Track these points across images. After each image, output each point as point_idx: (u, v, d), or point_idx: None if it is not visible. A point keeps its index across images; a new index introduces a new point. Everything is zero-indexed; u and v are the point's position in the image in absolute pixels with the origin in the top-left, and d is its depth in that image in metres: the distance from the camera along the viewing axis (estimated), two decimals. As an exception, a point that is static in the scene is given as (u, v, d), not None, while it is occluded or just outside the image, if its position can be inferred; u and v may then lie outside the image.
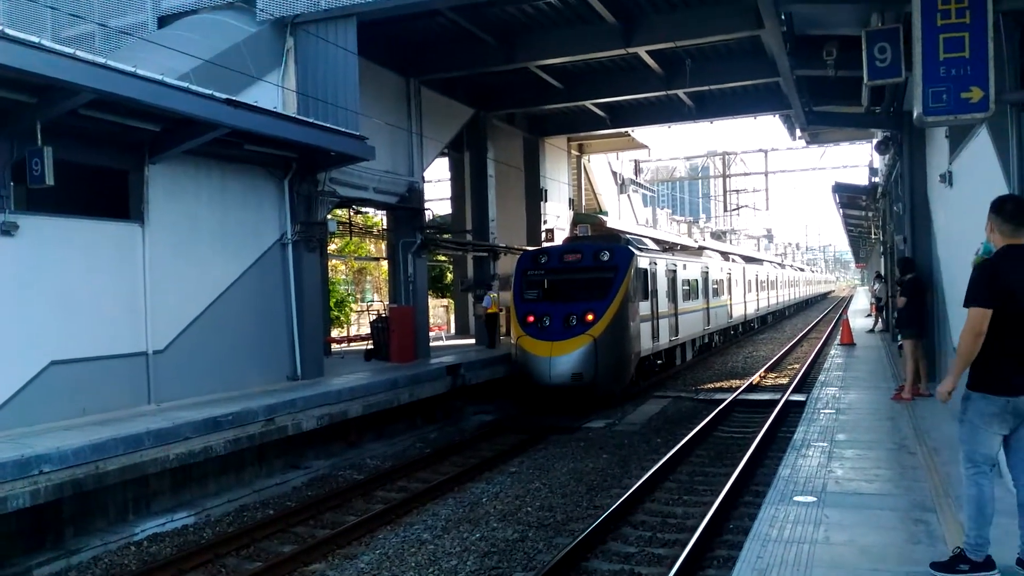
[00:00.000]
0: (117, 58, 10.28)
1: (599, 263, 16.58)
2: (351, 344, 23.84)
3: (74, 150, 10.28)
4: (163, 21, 14.74)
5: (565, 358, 15.24)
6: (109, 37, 14.23)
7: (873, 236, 30.71)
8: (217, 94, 10.73)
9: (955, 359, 4.45)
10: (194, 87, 10.51)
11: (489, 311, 19.71)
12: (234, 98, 11.14)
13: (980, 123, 7.03)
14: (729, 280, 29.13)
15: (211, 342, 12.18)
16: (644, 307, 17.52)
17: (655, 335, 18.48)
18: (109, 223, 10.94)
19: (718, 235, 55.99)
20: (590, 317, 15.57)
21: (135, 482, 9.05)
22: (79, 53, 8.99)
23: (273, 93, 13.38)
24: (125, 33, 13.56)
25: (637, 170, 38.23)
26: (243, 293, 12.87)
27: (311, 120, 12.79)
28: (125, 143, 10.98)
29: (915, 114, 6.24)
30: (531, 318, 16.06)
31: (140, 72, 9.64)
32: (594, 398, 15.65)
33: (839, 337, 20.24)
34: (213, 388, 12.04)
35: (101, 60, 9.36)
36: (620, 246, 17.37)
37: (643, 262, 17.66)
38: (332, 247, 27.03)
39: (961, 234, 9.15)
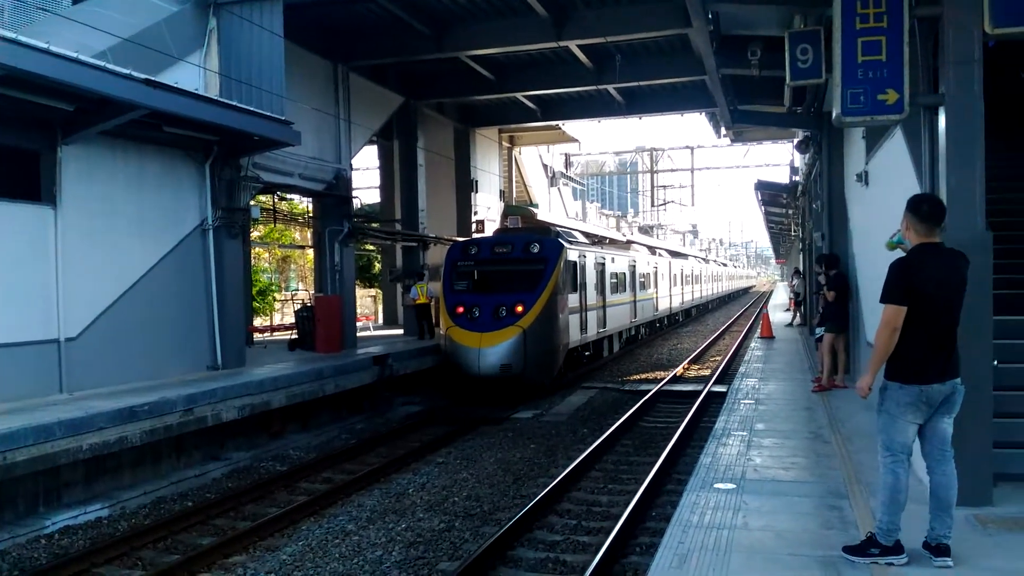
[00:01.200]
0: (29, 33, 9.77)
1: (529, 255, 16.67)
2: (274, 334, 23.35)
3: (-18, 128, 9.78)
4: (78, -5, 14.10)
5: (494, 349, 15.30)
6: (21, 11, 13.52)
7: (793, 233, 31.70)
8: (135, 74, 10.33)
9: (872, 354, 4.62)
10: (111, 66, 10.10)
11: (417, 302, 19.54)
12: (153, 78, 10.75)
13: (895, 124, 7.31)
14: (655, 274, 29.65)
15: (128, 330, 11.77)
16: (573, 299, 17.70)
17: (583, 327, 18.68)
18: (18, 205, 10.44)
19: (645, 230, 56.90)
20: (520, 308, 15.67)
21: (45, 473, 8.68)
22: (-14, 26, 8.54)
23: (194, 75, 12.95)
24: (39, 8, 12.92)
25: (567, 163, 38.54)
26: (162, 279, 12.46)
27: (233, 103, 12.44)
28: (37, 122, 10.49)
29: (834, 114, 6.43)
30: (461, 309, 16.06)
31: (53, 49, 9.20)
32: (523, 389, 15.75)
33: (759, 331, 20.83)
34: (130, 377, 11.64)
35: (11, 35, 8.89)
36: (550, 238, 17.47)
37: (573, 255, 17.82)
38: (255, 234, 26.39)
39: (876, 231, 9.51)
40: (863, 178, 10.29)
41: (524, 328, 15.46)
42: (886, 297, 4.47)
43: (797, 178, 23.15)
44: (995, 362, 5.49)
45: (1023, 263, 8.33)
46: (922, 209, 4.58)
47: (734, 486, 6.30)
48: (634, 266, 25.46)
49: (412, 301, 19.84)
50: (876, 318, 4.89)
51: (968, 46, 5.60)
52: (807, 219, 21.60)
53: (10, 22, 13.05)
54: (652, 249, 34.03)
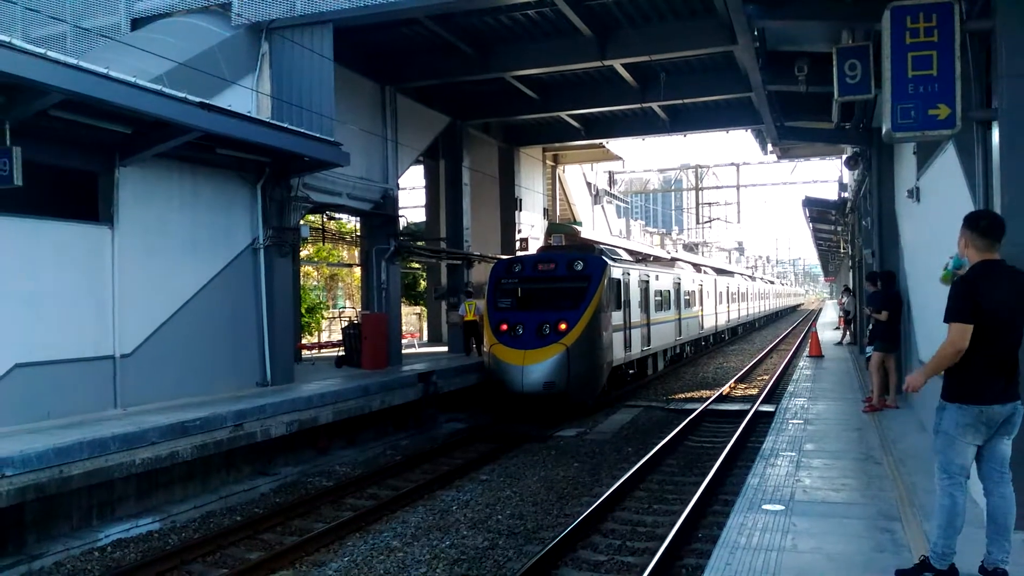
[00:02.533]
0: (89, 59, 10.17)
1: (573, 272, 16.66)
2: (322, 351, 23.67)
3: (43, 151, 10.14)
4: (136, 23, 14.62)
5: (538, 367, 15.27)
6: (81, 38, 14.08)
7: (842, 250, 31.11)
8: (190, 97, 10.63)
9: (931, 360, 4.52)
10: (167, 89, 10.41)
11: (466, 319, 19.67)
12: (207, 102, 11.06)
13: (947, 140, 7.17)
14: (700, 291, 29.37)
15: (180, 347, 12.04)
16: (617, 317, 17.61)
17: (627, 345, 18.57)
18: (78, 225, 10.79)
19: (690, 247, 56.45)
20: (563, 326, 15.63)
21: (100, 487, 8.91)
22: (49, 53, 8.87)
23: (247, 98, 13.31)
24: (98, 35, 13.43)
25: (611, 181, 38.51)
26: (213, 298, 12.74)
27: (285, 125, 12.73)
28: (95, 145, 10.85)
29: (884, 130, 6.35)
30: (504, 326, 16.10)
31: (112, 73, 9.53)
32: (566, 407, 15.68)
33: (808, 349, 20.48)
34: (181, 393, 11.89)
35: (72, 61, 9.24)
36: (594, 256, 17.47)
37: (616, 272, 17.76)
38: (304, 253, 26.85)
39: (927, 248, 9.31)
40: (914, 194, 10.09)
41: (567, 346, 15.42)
42: (952, 316, 4.37)
43: (846, 195, 22.76)
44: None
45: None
46: (981, 224, 4.50)
47: (783, 507, 6.20)
48: (679, 283, 25.25)
49: (460, 318, 19.99)
50: (928, 336, 4.81)
51: (1021, 60, 5.48)
52: (856, 236, 21.21)
53: (71, 49, 13.60)
54: (697, 266, 33.74)
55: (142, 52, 11.33)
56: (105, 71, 9.46)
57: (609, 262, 17.44)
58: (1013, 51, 5.50)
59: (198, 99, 10.79)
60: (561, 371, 15.30)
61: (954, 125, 6.03)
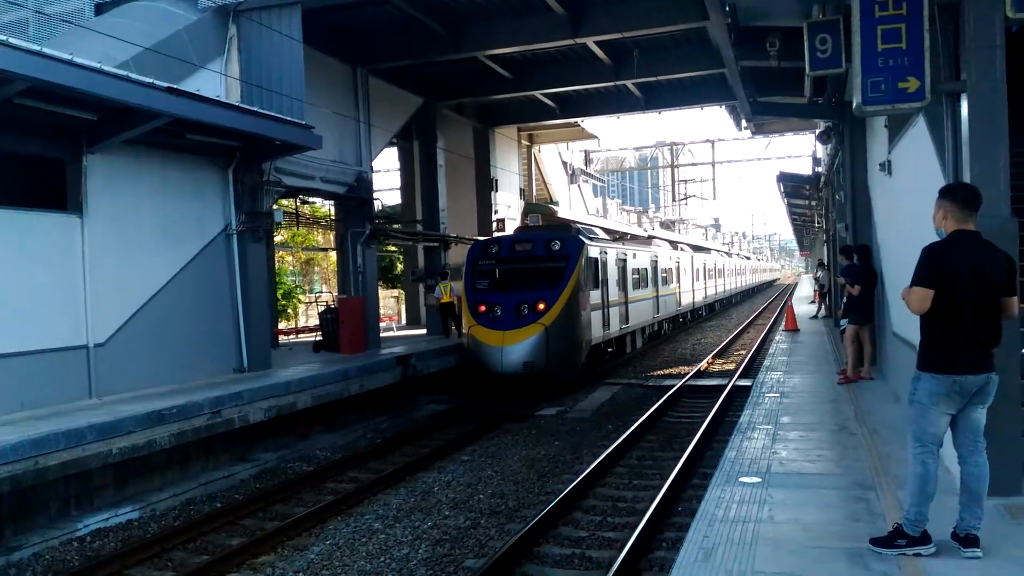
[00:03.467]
0: (53, 45, 9.94)
1: (550, 252, 16.69)
2: (299, 336, 23.57)
3: (8, 140, 9.98)
4: (101, 8, 14.30)
5: (517, 347, 15.32)
6: (44, 24, 13.76)
7: (816, 224, 31.38)
8: (157, 82, 10.46)
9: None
10: (133, 75, 10.23)
11: (442, 301, 19.65)
12: (175, 86, 10.88)
13: (917, 112, 7.22)
14: (677, 269, 29.52)
15: (154, 335, 11.93)
16: (595, 296, 17.68)
17: (606, 323, 18.67)
18: (46, 214, 10.61)
19: (667, 224, 56.63)
20: (541, 306, 15.68)
21: (77, 477, 8.82)
22: (12, 40, 8.68)
23: (216, 81, 13.09)
24: (62, 20, 13.13)
25: (587, 160, 38.49)
26: (187, 285, 12.62)
27: (255, 108, 12.56)
28: (62, 132, 10.66)
29: (855, 104, 6.38)
30: (483, 308, 16.11)
31: (77, 60, 9.35)
32: (546, 386, 15.75)
33: (783, 323, 20.68)
34: (157, 381, 11.80)
35: (35, 47, 9.04)
36: (571, 235, 17.47)
37: (594, 251, 17.79)
38: (278, 238, 26.61)
39: (900, 221, 9.41)
40: (886, 167, 10.18)
41: (546, 325, 15.47)
42: (914, 280, 4.46)
43: (819, 169, 22.94)
44: (1023, 350, 5.42)
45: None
46: (959, 195, 4.56)
47: (760, 480, 6.27)
48: (656, 261, 25.36)
49: (437, 300, 19.95)
50: (902, 309, 4.86)
51: (990, 31, 5.52)
52: (830, 210, 21.39)
53: (34, 35, 13.29)
54: (674, 244, 33.88)
55: (107, 37, 11.09)
56: (69, 57, 9.27)
57: (586, 241, 17.47)
58: (981, 22, 5.54)
59: (165, 84, 10.62)
60: (540, 351, 15.35)
61: (924, 98, 6.06)
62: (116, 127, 10.88)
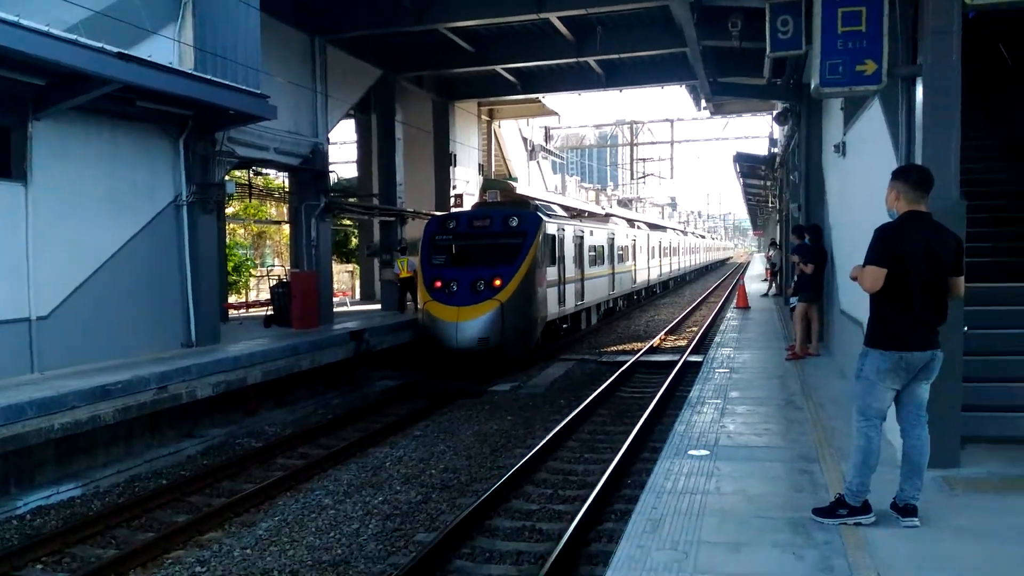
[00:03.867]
0: (-2, 7, 9.53)
1: (508, 228, 16.62)
2: (250, 310, 23.15)
3: (-53, 104, 9.55)
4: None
5: (472, 323, 15.28)
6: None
7: (770, 204, 31.80)
8: (108, 47, 10.08)
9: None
10: (83, 39, 9.84)
11: (401, 276, 19.51)
12: (126, 52, 10.51)
13: (873, 95, 7.31)
14: (634, 246, 29.70)
15: (100, 307, 11.62)
16: (551, 272, 17.70)
17: (562, 300, 18.71)
18: (-13, 181, 10.24)
19: (625, 202, 56.87)
20: (498, 282, 15.64)
21: (17, 453, 8.55)
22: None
23: (168, 48, 12.65)
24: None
25: (547, 137, 38.37)
26: (135, 256, 12.29)
27: (208, 76, 12.21)
28: (7, 98, 10.22)
29: (813, 85, 6.43)
30: (439, 283, 16.02)
31: (23, 22, 8.94)
32: (501, 362, 15.76)
33: (735, 301, 20.96)
34: (102, 355, 11.51)
35: (-23, 7, 8.66)
36: (529, 212, 17.40)
37: (551, 228, 17.78)
38: (230, 210, 26.09)
39: (852, 202, 9.55)
40: (841, 149, 10.31)
41: (502, 302, 15.45)
42: (867, 259, 4.51)
43: (776, 150, 23.20)
44: (964, 328, 5.54)
45: (994, 231, 8.42)
46: (912, 177, 4.62)
47: (708, 452, 6.35)
48: (613, 239, 25.47)
49: (395, 276, 19.80)
50: (850, 288, 4.94)
51: (946, 16, 5.57)
52: (785, 190, 21.67)
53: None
54: (631, 222, 34.06)
55: (57, 0, 10.66)
56: (16, 19, 8.87)
57: (544, 218, 17.42)
58: (938, 8, 5.59)
59: (116, 49, 10.24)
60: (496, 327, 15.34)
61: (880, 81, 6.13)
62: (64, 93, 10.48)
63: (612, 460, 8.72)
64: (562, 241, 18.71)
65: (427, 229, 17.37)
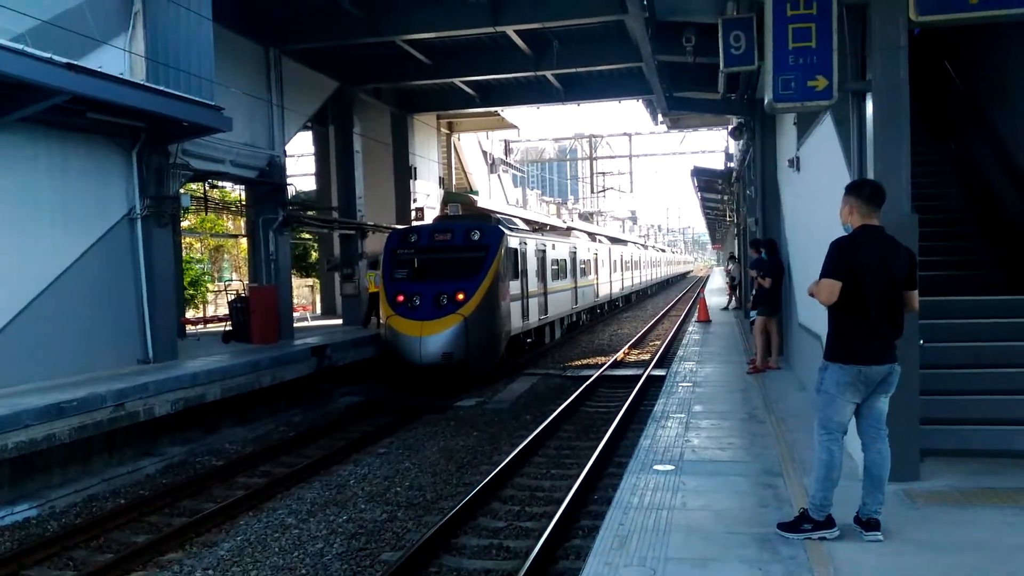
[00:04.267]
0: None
1: (470, 242, 16.58)
2: (208, 326, 22.84)
3: None
4: (-6, -25, 13.43)
5: (435, 337, 15.20)
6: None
7: (728, 218, 32.29)
8: (56, 57, 9.89)
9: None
10: (29, 49, 9.64)
11: (371, 290, 19.44)
12: (75, 63, 10.31)
13: (824, 111, 7.47)
14: (596, 260, 29.89)
15: (53, 323, 11.35)
16: (514, 286, 17.71)
17: (525, 314, 18.73)
18: (-70, 195, 9.95)
19: (585, 216, 57.24)
20: (460, 296, 15.59)
21: (-35, 476, 8.32)
22: None
23: (120, 59, 12.47)
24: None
25: (507, 150, 38.49)
26: (88, 271, 12.05)
27: (160, 88, 12.04)
28: (-51, 108, 9.99)
29: (766, 100, 6.53)
30: (401, 297, 15.92)
31: (-36, 30, 8.76)
32: (465, 377, 15.69)
33: (696, 315, 21.20)
34: (57, 372, 11.24)
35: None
36: (491, 226, 17.39)
37: (513, 242, 17.81)
38: (186, 223, 25.68)
39: (807, 216, 9.73)
40: (795, 163, 10.51)
41: (465, 316, 15.41)
42: (823, 272, 4.59)
43: (732, 164, 23.56)
44: (920, 341, 5.67)
45: (945, 245, 8.66)
46: (864, 191, 4.71)
47: (673, 467, 6.39)
48: (575, 253, 25.61)
49: (363, 290, 19.76)
50: (808, 301, 5.03)
51: (894, 33, 5.73)
52: (742, 204, 22.01)
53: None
54: (592, 236, 34.29)
55: (2, 9, 10.42)
56: (-43, 28, 8.68)
57: (506, 232, 17.45)
58: (886, 24, 5.74)
59: (65, 60, 10.06)
60: (459, 341, 15.28)
61: (831, 96, 6.26)
62: (10, 104, 10.28)
63: (578, 476, 8.73)
64: (524, 255, 18.74)
65: (388, 243, 17.25)
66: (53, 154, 11.60)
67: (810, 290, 4.79)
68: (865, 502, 4.67)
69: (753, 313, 11.49)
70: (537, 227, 25.54)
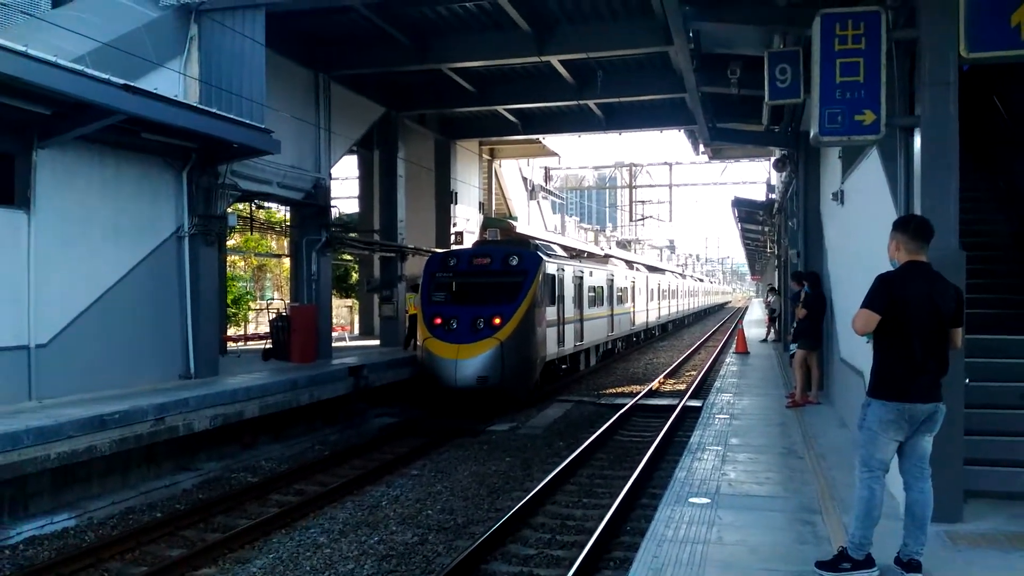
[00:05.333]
0: (6, 37, 9.65)
1: (508, 267, 16.67)
2: (248, 343, 23.15)
3: (-46, 131, 9.64)
4: (58, 1, 13.97)
5: (471, 361, 15.25)
6: (0, 13, 13.38)
7: (769, 250, 31.96)
8: (114, 79, 10.23)
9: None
10: (89, 70, 9.99)
11: (409, 313, 19.65)
12: (132, 84, 10.66)
13: (871, 145, 7.41)
14: (633, 288, 29.77)
15: (99, 337, 11.62)
16: (551, 312, 17.71)
17: (561, 340, 18.70)
18: (-9, 208, 10.29)
19: (623, 244, 57.12)
20: (497, 321, 15.64)
21: (11, 482, 8.50)
22: (-39, 28, 8.43)
23: (174, 81, 12.87)
24: (18, 11, 12.78)
25: (547, 177, 38.66)
26: (135, 287, 12.33)
27: (213, 110, 12.36)
28: (12, 125, 10.35)
29: (811, 134, 6.51)
30: (438, 320, 16.02)
31: (31, 52, 9.09)
32: (500, 401, 15.71)
33: (734, 346, 20.96)
34: (101, 385, 11.46)
35: (-13, 37, 8.79)
36: (529, 251, 17.46)
37: (551, 268, 17.84)
38: (231, 242, 26.18)
39: (850, 250, 9.62)
40: (839, 197, 10.41)
41: (502, 340, 15.44)
42: (865, 303, 4.55)
43: (774, 196, 23.39)
44: (966, 380, 5.56)
45: (992, 283, 8.49)
46: (911, 227, 4.67)
47: (709, 500, 6.31)
48: (612, 280, 25.57)
49: (406, 313, 19.99)
50: (849, 335, 4.98)
51: (944, 69, 5.69)
52: (783, 236, 21.81)
53: (-12, 24, 12.91)
54: (630, 263, 34.18)
55: (64, 31, 10.83)
56: (24, 49, 9.01)
57: (544, 257, 17.48)
58: (936, 60, 5.70)
59: (122, 81, 10.39)
60: (495, 365, 15.31)
61: (878, 131, 6.22)
62: (69, 123, 10.62)
63: (611, 505, 8.65)
64: (562, 281, 18.77)
65: (428, 266, 17.42)
66: (107, 171, 11.94)
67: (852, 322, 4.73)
68: (906, 542, 4.58)
69: (793, 346, 11.34)
70: (575, 254, 25.56)
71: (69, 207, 11.25)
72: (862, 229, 8.40)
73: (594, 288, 22.72)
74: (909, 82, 6.44)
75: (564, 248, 24.48)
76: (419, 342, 16.61)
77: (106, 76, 10.14)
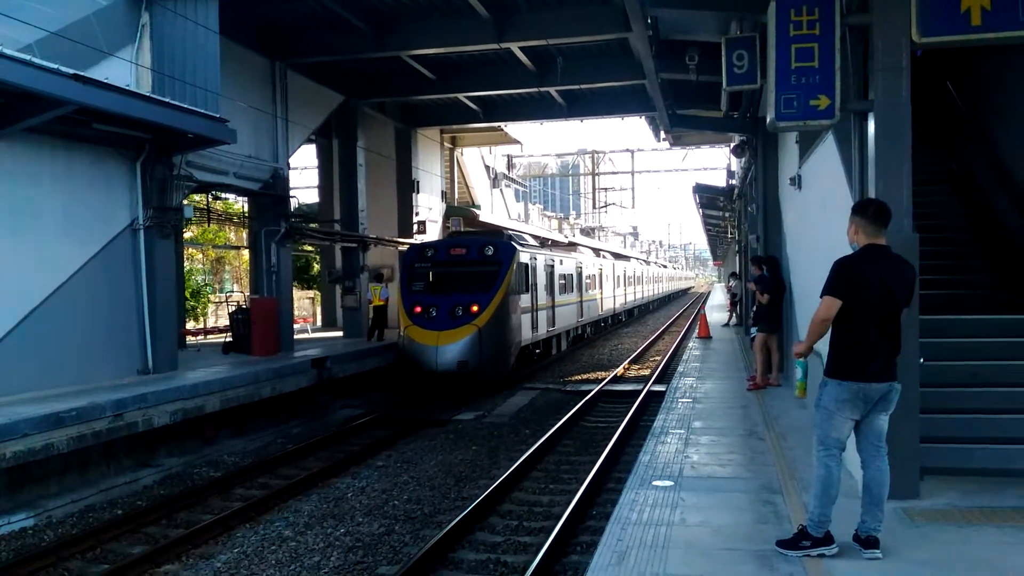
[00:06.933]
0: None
1: (484, 257, 17.39)
2: (208, 336, 22.84)
3: None
4: (3, -13, 13.55)
5: (451, 347, 15.81)
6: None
7: (730, 235, 32.30)
8: (63, 68, 9.94)
9: (809, 330, 4.78)
10: (36, 59, 9.70)
11: (373, 303, 19.61)
12: (82, 73, 10.38)
13: (826, 130, 7.50)
14: (600, 275, 30.20)
15: (54, 333, 11.35)
16: (525, 300, 18.44)
17: (535, 326, 19.44)
18: (-65, 203, 9.98)
19: (587, 231, 57.35)
20: (475, 308, 16.28)
21: (-37, 484, 8.30)
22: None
23: (126, 70, 12.54)
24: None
25: (510, 165, 38.61)
26: (90, 281, 12.06)
27: (166, 100, 12.10)
28: (-46, 118, 10.04)
29: (768, 119, 6.57)
30: (418, 309, 16.61)
31: (-28, 41, 8.81)
32: (478, 384, 16.23)
33: (697, 331, 21.18)
34: (57, 382, 11.23)
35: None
36: (504, 241, 18.19)
37: (524, 257, 18.48)
38: (188, 234, 25.74)
39: (808, 233, 9.75)
40: (796, 182, 10.54)
41: (480, 327, 16.04)
42: (825, 290, 4.61)
43: (733, 182, 23.62)
44: (920, 360, 5.67)
45: (946, 264, 8.67)
46: (869, 211, 4.73)
47: (672, 483, 6.38)
48: (580, 268, 26.18)
49: (369, 302, 19.90)
50: (808, 318, 5.05)
51: (896, 54, 5.77)
52: (743, 221, 22.05)
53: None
54: (596, 251, 34.51)
55: (10, 19, 10.50)
56: (-36, 38, 8.73)
57: (518, 247, 18.14)
58: (888, 45, 5.78)
59: (71, 71, 10.11)
60: (474, 351, 15.88)
61: (833, 116, 6.29)
62: (17, 114, 10.32)
63: (577, 491, 8.70)
64: (534, 269, 19.45)
65: (406, 257, 18.11)
66: (58, 164, 11.64)
67: (813, 320, 4.75)
68: (864, 520, 4.66)
69: (753, 330, 11.49)
70: (544, 243, 25.88)
71: (19, 201, 10.96)
72: (819, 213, 8.52)
73: (564, 276, 23.41)
74: (863, 67, 6.51)
75: (534, 237, 24.78)
76: (400, 330, 16.89)
77: (55, 66, 9.86)
